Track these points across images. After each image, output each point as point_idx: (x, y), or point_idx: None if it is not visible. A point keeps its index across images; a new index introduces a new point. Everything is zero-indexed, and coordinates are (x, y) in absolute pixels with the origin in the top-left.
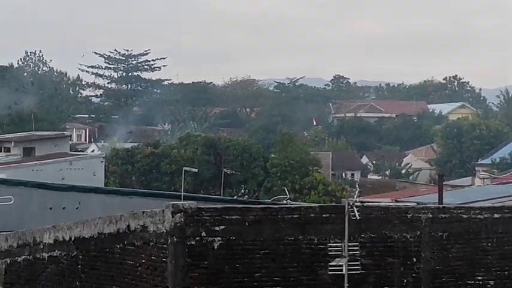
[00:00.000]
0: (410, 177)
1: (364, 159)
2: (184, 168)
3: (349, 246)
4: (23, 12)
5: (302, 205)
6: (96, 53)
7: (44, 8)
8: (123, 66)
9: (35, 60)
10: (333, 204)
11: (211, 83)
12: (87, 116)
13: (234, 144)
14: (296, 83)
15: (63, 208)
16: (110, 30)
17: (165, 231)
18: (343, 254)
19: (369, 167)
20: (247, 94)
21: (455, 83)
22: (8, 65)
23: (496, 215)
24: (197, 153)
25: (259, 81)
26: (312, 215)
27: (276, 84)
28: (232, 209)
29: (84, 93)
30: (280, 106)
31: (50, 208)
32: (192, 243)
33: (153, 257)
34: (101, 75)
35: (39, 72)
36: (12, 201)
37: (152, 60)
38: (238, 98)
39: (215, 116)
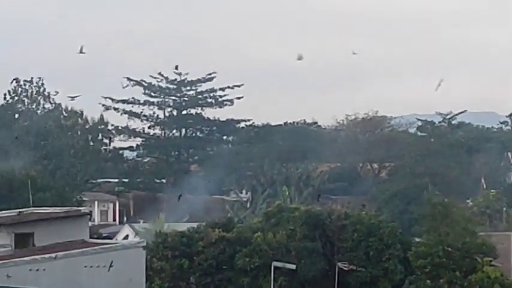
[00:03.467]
0: None
1: None
2: (274, 263)
3: None
4: (13, 21)
5: None
6: (129, 79)
7: (44, 13)
8: (174, 100)
9: (31, 92)
10: None
11: (315, 123)
12: (116, 180)
13: (354, 221)
14: (453, 121)
15: None
16: (150, 38)
17: None
18: None
19: None
20: (374, 140)
21: None
22: None
23: None
24: (295, 237)
25: (394, 119)
26: None
27: (420, 123)
28: None
29: (112, 144)
30: (428, 159)
31: None
32: None
33: None
34: (138, 115)
35: (38, 111)
36: None
37: (220, 89)
38: (359, 147)
39: (322, 177)
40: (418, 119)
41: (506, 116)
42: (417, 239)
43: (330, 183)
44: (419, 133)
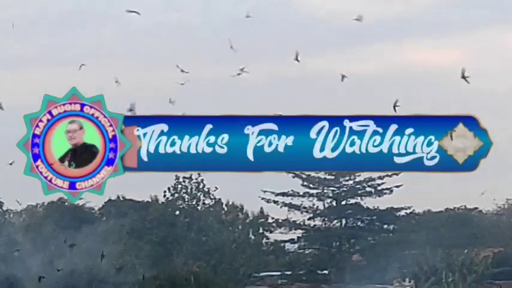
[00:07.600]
0: None
1: None
2: None
3: None
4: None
5: None
6: (288, 172)
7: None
8: (333, 191)
9: (191, 189)
10: None
11: (477, 208)
12: (278, 273)
13: None
14: None
15: None
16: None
17: None
18: None
19: None
20: None
21: None
22: (150, 200)
23: None
24: None
25: None
26: None
27: None
28: None
29: (273, 237)
30: None
31: None
32: None
33: None
34: (297, 208)
35: (198, 207)
36: None
37: (378, 177)
38: None
39: (485, 262)
40: None
41: None
42: None
43: (494, 268)
44: None
